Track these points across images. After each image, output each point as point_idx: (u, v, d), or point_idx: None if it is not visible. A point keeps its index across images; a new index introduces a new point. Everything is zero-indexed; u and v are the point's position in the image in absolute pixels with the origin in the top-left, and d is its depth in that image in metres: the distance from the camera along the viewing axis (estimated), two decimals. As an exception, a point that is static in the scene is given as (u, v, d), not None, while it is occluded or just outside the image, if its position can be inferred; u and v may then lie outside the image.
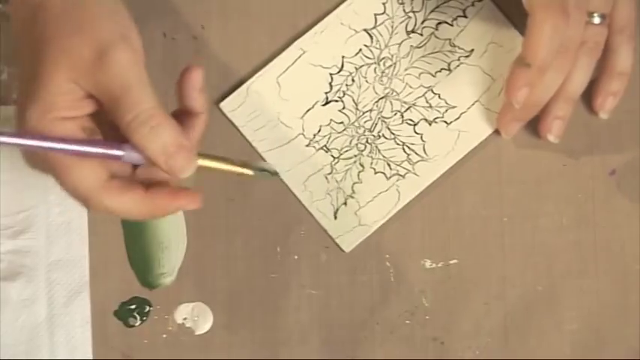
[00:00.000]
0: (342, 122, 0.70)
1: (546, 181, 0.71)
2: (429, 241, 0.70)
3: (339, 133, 0.70)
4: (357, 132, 0.70)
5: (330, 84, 0.70)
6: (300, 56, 0.70)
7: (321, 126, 0.70)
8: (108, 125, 0.55)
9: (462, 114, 0.70)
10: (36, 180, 0.69)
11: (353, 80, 0.70)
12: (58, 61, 0.53)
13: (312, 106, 0.70)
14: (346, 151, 0.70)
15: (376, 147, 0.70)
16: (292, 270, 0.70)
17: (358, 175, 0.70)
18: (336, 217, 0.70)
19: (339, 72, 0.70)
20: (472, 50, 0.71)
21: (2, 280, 0.68)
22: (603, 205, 0.71)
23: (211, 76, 0.69)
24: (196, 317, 0.69)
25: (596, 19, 0.66)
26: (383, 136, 0.70)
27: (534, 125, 0.69)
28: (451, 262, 0.70)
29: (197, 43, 0.70)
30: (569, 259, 0.70)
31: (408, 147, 0.70)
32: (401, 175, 0.70)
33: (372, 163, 0.70)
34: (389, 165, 0.70)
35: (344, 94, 0.70)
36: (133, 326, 0.69)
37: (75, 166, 0.54)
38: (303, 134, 0.70)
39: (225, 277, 0.70)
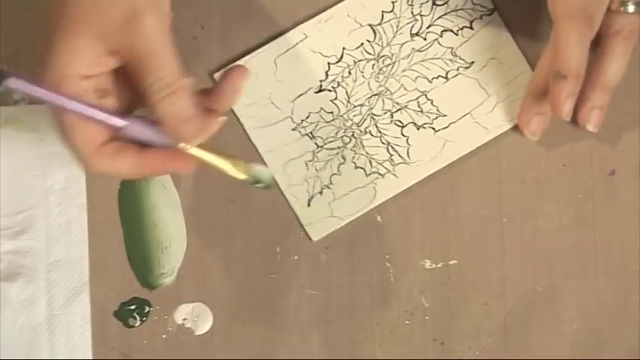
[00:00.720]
0: (331, 112, 0.70)
1: (546, 182, 0.71)
2: (428, 241, 0.70)
3: (327, 122, 0.70)
4: (344, 124, 0.70)
5: (327, 73, 0.70)
6: (301, 40, 0.70)
7: (310, 113, 0.70)
8: (127, 85, 0.57)
9: (451, 124, 0.70)
10: (36, 180, 0.69)
11: (349, 73, 0.70)
12: (86, 17, 0.55)
13: (305, 92, 0.70)
14: (331, 141, 0.70)
15: (361, 142, 0.70)
16: (292, 270, 0.70)
17: (338, 167, 0.70)
18: (309, 205, 0.70)
19: (337, 62, 0.70)
20: (472, 62, 0.70)
21: (2, 280, 0.68)
22: (603, 205, 0.71)
23: (211, 75, 0.70)
24: (196, 317, 0.69)
25: (631, 8, 0.66)
26: (369, 132, 0.70)
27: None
28: (451, 262, 0.70)
29: (197, 43, 0.70)
30: (569, 260, 0.70)
31: (393, 147, 0.70)
32: (380, 174, 0.70)
33: (354, 157, 0.70)
34: (370, 162, 0.70)
35: (338, 84, 0.70)
36: (132, 326, 0.69)
37: (75, 126, 0.56)
38: (291, 118, 0.70)
39: (225, 277, 0.70)
